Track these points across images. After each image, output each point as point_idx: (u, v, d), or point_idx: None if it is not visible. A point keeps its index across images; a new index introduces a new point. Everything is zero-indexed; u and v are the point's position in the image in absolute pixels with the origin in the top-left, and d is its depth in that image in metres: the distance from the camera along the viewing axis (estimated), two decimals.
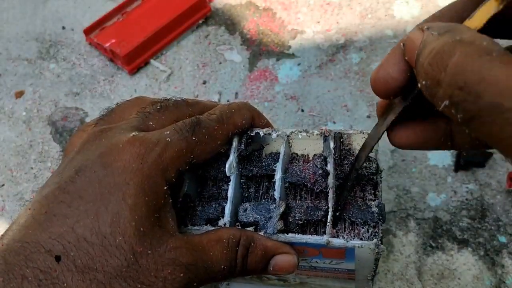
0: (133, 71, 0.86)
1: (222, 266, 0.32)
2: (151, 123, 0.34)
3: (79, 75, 0.88)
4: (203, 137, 0.34)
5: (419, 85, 0.26)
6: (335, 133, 0.36)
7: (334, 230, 0.34)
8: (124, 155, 0.31)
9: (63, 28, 0.94)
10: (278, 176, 0.35)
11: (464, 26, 0.26)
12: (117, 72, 0.87)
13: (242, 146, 0.36)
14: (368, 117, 0.75)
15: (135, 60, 0.85)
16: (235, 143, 0.36)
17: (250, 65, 0.84)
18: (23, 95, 0.86)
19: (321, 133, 0.36)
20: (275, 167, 0.36)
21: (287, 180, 0.36)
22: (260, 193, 0.37)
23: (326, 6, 0.89)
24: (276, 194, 0.34)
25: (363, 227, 0.35)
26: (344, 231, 0.35)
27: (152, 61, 0.87)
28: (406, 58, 0.27)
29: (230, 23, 0.90)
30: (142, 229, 0.30)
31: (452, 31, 0.25)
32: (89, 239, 0.29)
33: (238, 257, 0.33)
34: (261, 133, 0.37)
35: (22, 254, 0.28)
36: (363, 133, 0.37)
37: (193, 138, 0.33)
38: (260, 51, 0.86)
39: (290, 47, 0.85)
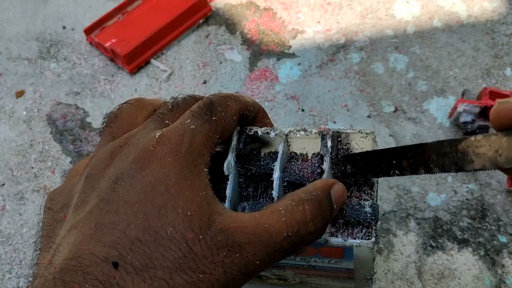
0: (134, 71, 0.86)
1: (285, 233, 0.30)
2: (167, 122, 0.34)
3: (79, 75, 0.88)
4: (221, 115, 0.34)
5: None
6: (333, 132, 0.36)
7: (333, 229, 0.34)
8: (157, 154, 0.31)
9: (64, 27, 0.94)
10: (276, 175, 0.35)
11: None
12: (117, 71, 0.87)
13: (241, 145, 0.36)
14: (369, 116, 0.75)
15: (135, 60, 0.86)
16: (233, 142, 0.36)
17: (251, 65, 0.84)
18: (24, 94, 0.86)
19: (319, 132, 0.36)
20: (274, 166, 0.36)
21: (285, 179, 0.36)
22: (259, 192, 0.37)
23: (326, 6, 0.89)
24: (275, 193, 0.34)
25: (356, 227, 0.35)
26: (338, 230, 0.35)
27: (152, 60, 0.87)
28: None
29: (230, 23, 0.90)
30: (189, 213, 0.29)
31: None
32: (142, 238, 0.29)
33: (307, 212, 0.31)
34: (260, 132, 0.37)
35: (79, 270, 0.28)
36: (361, 133, 0.37)
37: (213, 118, 0.33)
38: (261, 50, 0.86)
39: (290, 47, 0.85)
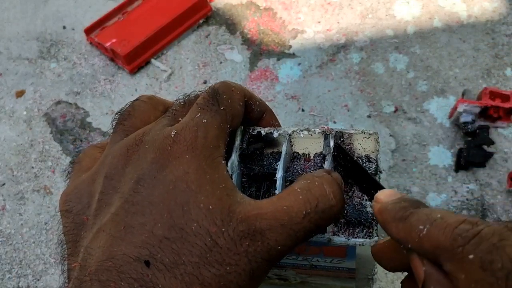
0: (134, 71, 0.86)
1: (304, 212, 0.30)
2: (180, 119, 0.34)
3: (79, 75, 0.88)
4: (227, 102, 0.34)
5: None
6: (336, 132, 0.36)
7: (335, 229, 0.34)
8: (175, 153, 0.31)
9: (64, 27, 0.94)
10: (279, 174, 0.35)
11: None
12: (117, 71, 0.87)
13: (244, 145, 0.36)
14: (369, 116, 0.76)
15: (135, 60, 0.85)
16: (237, 142, 0.36)
17: (251, 65, 0.84)
18: (24, 94, 0.86)
19: (323, 131, 0.36)
20: (277, 165, 0.36)
21: (288, 179, 0.36)
22: (261, 192, 0.37)
23: (326, 6, 0.89)
24: (277, 193, 0.34)
25: (358, 227, 0.35)
26: (340, 230, 0.35)
27: (152, 60, 0.87)
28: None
29: (230, 23, 0.90)
30: (210, 207, 0.30)
31: None
32: (169, 236, 0.29)
33: (325, 185, 0.31)
34: (263, 132, 0.37)
35: (114, 270, 0.29)
36: (364, 133, 0.37)
37: (221, 108, 0.33)
38: (261, 50, 0.86)
39: (290, 47, 0.86)
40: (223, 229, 0.29)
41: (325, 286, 0.50)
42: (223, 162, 0.32)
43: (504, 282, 0.23)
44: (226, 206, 0.30)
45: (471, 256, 0.24)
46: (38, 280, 0.68)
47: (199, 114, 0.33)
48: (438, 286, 0.25)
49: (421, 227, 0.26)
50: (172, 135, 0.32)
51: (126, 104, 0.37)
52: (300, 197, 0.31)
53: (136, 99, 0.38)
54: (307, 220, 0.30)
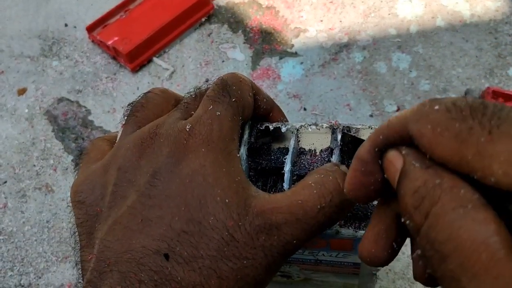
0: (136, 69, 0.86)
1: (318, 206, 0.30)
2: (192, 112, 0.34)
3: (81, 73, 0.88)
4: (237, 93, 0.34)
5: (402, 219, 0.23)
6: (343, 126, 0.36)
7: (342, 221, 0.34)
8: (191, 147, 0.32)
9: (66, 25, 0.94)
10: (287, 168, 0.35)
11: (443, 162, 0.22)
12: (119, 69, 0.87)
13: (252, 139, 0.36)
14: (371, 116, 0.75)
15: (137, 58, 0.85)
16: (245, 136, 0.36)
17: (253, 64, 0.84)
18: (26, 92, 0.86)
19: (330, 126, 0.36)
20: (285, 159, 0.36)
21: (295, 173, 0.36)
22: (268, 187, 0.37)
23: (329, 4, 0.89)
24: (285, 186, 0.34)
25: (364, 221, 0.35)
26: (346, 223, 0.35)
27: (154, 59, 0.87)
28: (385, 175, 0.25)
29: (233, 21, 0.90)
30: (227, 201, 0.30)
31: (433, 167, 0.22)
32: (187, 230, 0.29)
33: (339, 179, 0.31)
34: (271, 127, 0.37)
35: (134, 262, 0.29)
36: (371, 128, 0.37)
37: (233, 100, 0.34)
38: (263, 49, 0.86)
39: (293, 45, 0.86)
40: (240, 223, 0.30)
41: (328, 284, 0.50)
42: (238, 155, 0.33)
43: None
44: (242, 200, 0.30)
45: None
46: (40, 278, 0.68)
47: (211, 107, 0.33)
48: (417, 162, 0.22)
49: None
50: (187, 129, 0.32)
51: (139, 96, 0.37)
52: (315, 191, 0.31)
53: (149, 91, 0.38)
54: (322, 214, 0.31)
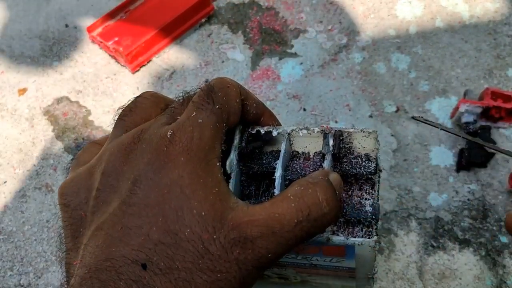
0: (136, 69, 0.86)
1: (295, 220, 0.30)
2: (178, 117, 0.34)
3: (82, 73, 0.88)
4: (223, 100, 0.34)
5: None
6: (335, 130, 0.36)
7: (334, 228, 0.34)
8: (170, 155, 0.31)
9: (66, 26, 0.94)
10: (278, 173, 0.35)
11: None
12: (119, 70, 0.87)
13: (243, 144, 0.36)
14: (370, 116, 0.75)
15: (137, 58, 0.86)
16: (236, 141, 0.36)
17: (253, 64, 0.84)
18: (26, 92, 0.87)
19: (322, 130, 0.36)
20: (276, 164, 0.36)
21: (287, 177, 0.36)
22: (261, 191, 0.37)
23: (329, 5, 0.89)
24: (276, 192, 0.34)
25: (357, 226, 0.35)
26: (339, 229, 0.35)
27: (154, 59, 0.87)
28: None
29: (233, 22, 0.90)
30: (203, 213, 0.30)
31: None
32: (164, 241, 0.29)
33: (319, 193, 0.31)
34: (262, 131, 0.37)
35: (113, 270, 0.29)
36: (363, 132, 0.37)
37: (217, 106, 0.33)
38: (263, 50, 0.86)
39: (292, 46, 0.86)
40: (215, 236, 0.29)
41: (326, 286, 0.50)
42: (218, 164, 0.32)
43: None
44: (218, 213, 0.30)
45: None
46: (39, 277, 0.69)
47: (194, 113, 0.33)
48: None
49: None
50: (168, 136, 0.32)
51: (129, 100, 0.37)
52: (293, 204, 0.30)
53: (139, 96, 0.38)
54: (299, 229, 0.30)
